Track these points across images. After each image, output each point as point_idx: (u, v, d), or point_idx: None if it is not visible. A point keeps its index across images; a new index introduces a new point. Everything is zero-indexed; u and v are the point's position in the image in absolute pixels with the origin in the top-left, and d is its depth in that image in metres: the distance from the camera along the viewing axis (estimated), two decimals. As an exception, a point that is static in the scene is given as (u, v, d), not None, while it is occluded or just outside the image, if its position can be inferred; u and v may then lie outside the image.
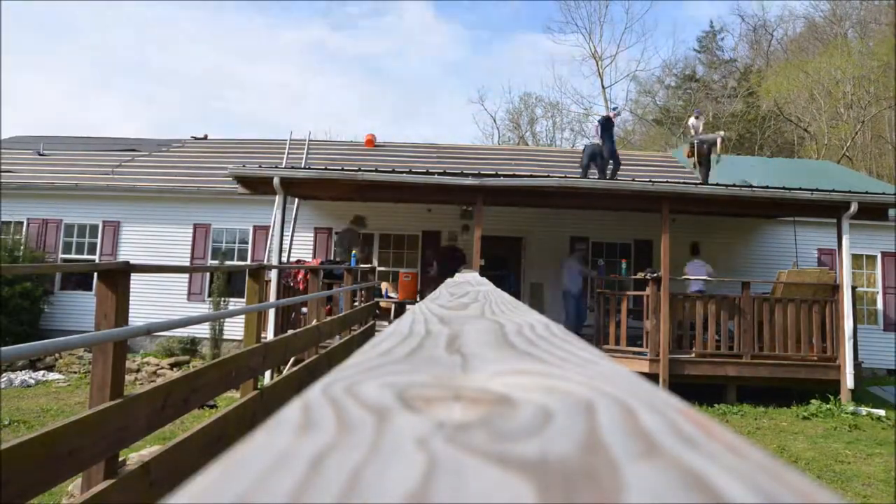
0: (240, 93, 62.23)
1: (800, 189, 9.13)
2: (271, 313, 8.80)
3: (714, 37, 35.01)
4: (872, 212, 9.19)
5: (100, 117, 55.30)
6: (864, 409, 7.95)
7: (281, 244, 9.42)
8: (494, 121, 38.21)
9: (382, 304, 10.70)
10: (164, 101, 58.28)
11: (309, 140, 14.17)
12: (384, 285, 11.26)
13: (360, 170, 9.29)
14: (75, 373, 10.21)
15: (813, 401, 8.12)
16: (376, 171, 9.43)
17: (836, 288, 8.80)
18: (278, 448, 0.22)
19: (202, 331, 11.09)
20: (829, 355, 8.62)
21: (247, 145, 15.65)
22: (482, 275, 2.67)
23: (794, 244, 11.39)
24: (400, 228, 11.94)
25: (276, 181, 8.99)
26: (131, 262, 2.60)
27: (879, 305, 11.80)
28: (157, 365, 10.39)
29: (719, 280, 9.58)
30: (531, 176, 10.09)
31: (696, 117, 11.85)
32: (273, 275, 8.89)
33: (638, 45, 57.42)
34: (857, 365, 8.79)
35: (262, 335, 7.11)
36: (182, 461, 2.66)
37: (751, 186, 9.40)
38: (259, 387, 4.05)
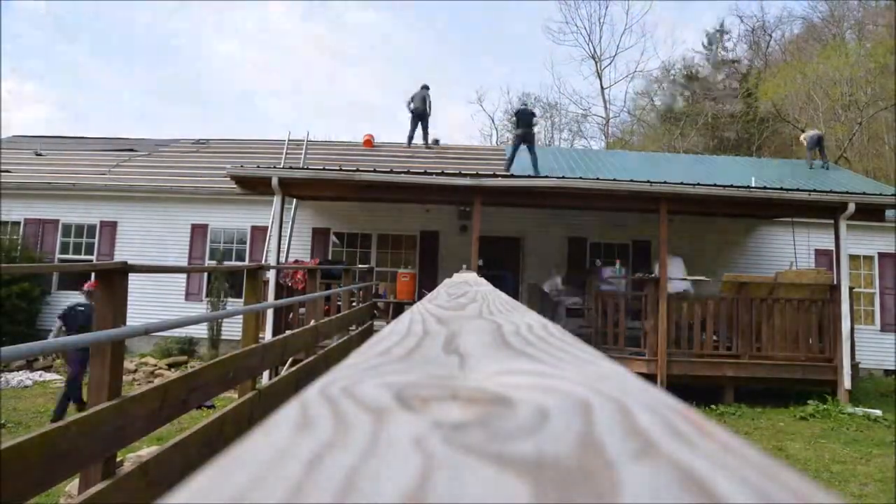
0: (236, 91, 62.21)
1: (797, 190, 9.14)
2: (269, 313, 8.79)
3: (721, 36, 35.01)
4: (870, 212, 9.21)
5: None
6: (861, 410, 7.96)
7: (279, 244, 9.41)
8: (493, 121, 38.23)
9: (380, 305, 10.71)
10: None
11: (307, 140, 14.17)
12: (381, 286, 11.26)
13: (357, 170, 9.29)
14: (73, 373, 10.18)
15: (810, 401, 8.14)
16: (374, 171, 9.43)
17: (833, 288, 8.81)
18: (276, 447, 0.22)
19: (200, 331, 11.09)
20: (826, 356, 8.64)
21: (245, 145, 15.64)
22: (480, 275, 2.67)
23: (791, 245, 11.41)
24: (398, 229, 11.93)
25: (274, 181, 8.99)
26: (129, 262, 2.59)
27: (876, 306, 11.82)
28: (155, 365, 10.38)
29: (698, 279, 9.60)
30: (529, 176, 10.10)
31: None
32: (271, 275, 8.89)
33: (637, 45, 57.50)
34: (855, 365, 8.81)
35: (260, 335, 7.11)
36: (180, 461, 2.66)
37: (748, 187, 9.41)
38: (257, 387, 4.04)
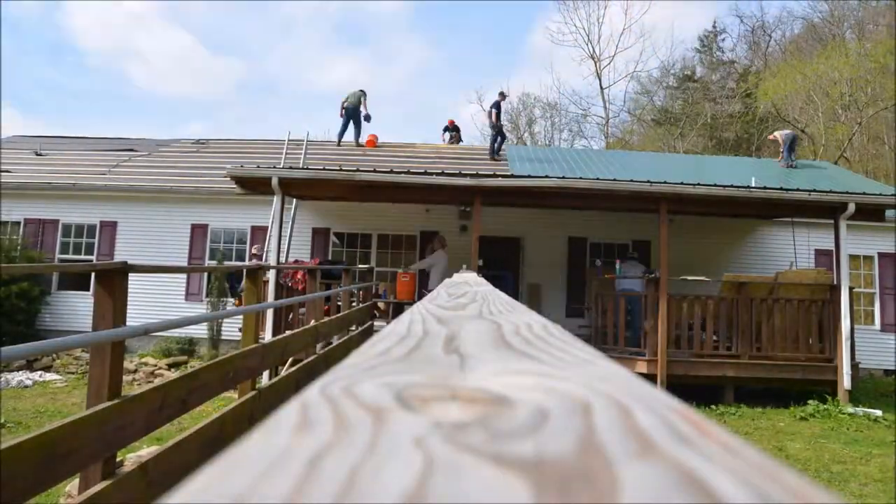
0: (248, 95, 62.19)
1: (797, 190, 9.14)
2: (269, 313, 8.79)
3: (715, 37, 35.06)
4: (870, 213, 9.21)
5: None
6: (861, 410, 7.96)
7: (279, 244, 9.41)
8: (493, 121, 38.13)
9: (380, 305, 10.71)
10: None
11: (307, 140, 14.16)
12: (381, 286, 11.26)
13: (357, 170, 9.29)
14: (73, 373, 10.19)
15: (810, 401, 8.14)
16: (374, 171, 9.42)
17: (833, 288, 8.81)
18: (276, 448, 0.22)
19: (200, 331, 11.08)
20: (826, 356, 8.63)
21: (244, 145, 15.65)
22: (480, 275, 2.67)
23: (791, 245, 11.41)
24: (398, 229, 11.93)
25: (274, 181, 8.98)
26: (129, 262, 2.59)
27: (876, 306, 11.82)
28: (155, 365, 10.38)
29: (698, 279, 9.59)
30: (529, 176, 10.10)
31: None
32: (271, 275, 8.89)
33: (636, 45, 57.58)
34: (855, 366, 8.81)
35: (260, 335, 7.11)
36: (180, 461, 2.66)
37: (748, 187, 9.41)
38: (257, 387, 4.04)
